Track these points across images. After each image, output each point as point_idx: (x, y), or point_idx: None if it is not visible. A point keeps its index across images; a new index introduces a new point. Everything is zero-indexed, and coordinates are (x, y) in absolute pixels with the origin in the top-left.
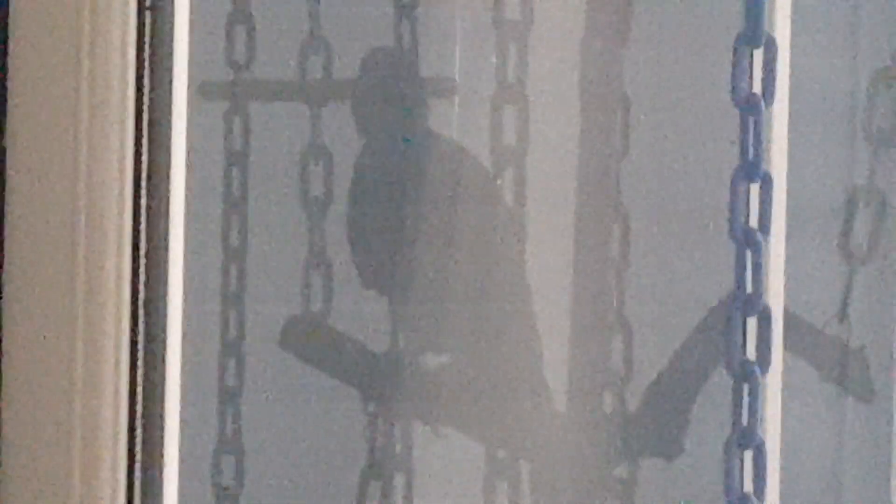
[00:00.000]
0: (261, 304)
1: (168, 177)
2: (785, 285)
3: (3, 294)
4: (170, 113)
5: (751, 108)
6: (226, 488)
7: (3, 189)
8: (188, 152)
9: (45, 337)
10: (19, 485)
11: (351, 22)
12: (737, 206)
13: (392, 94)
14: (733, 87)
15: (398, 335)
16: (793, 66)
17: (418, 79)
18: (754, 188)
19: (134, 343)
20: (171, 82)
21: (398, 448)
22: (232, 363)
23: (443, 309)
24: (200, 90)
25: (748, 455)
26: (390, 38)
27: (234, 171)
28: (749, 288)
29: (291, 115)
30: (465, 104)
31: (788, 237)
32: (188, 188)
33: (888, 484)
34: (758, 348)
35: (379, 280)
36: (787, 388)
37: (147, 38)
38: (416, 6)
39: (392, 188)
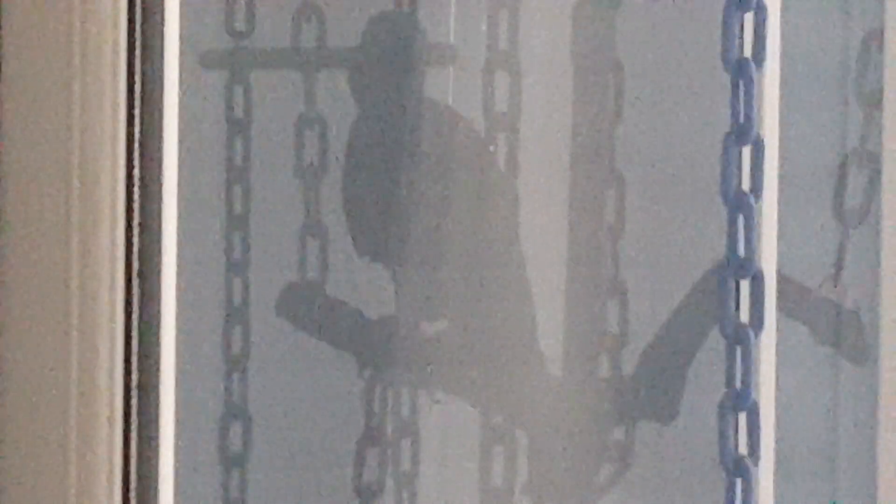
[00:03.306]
0: (259, 272)
1: (161, 148)
2: (778, 248)
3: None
4: (162, 84)
5: (741, 72)
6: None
7: None
8: (185, 121)
9: (40, 306)
10: (14, 447)
11: None
12: (728, 169)
13: (387, 61)
14: (723, 51)
15: (395, 302)
16: (784, 28)
17: (413, 45)
18: (746, 151)
19: (129, 313)
20: (163, 54)
21: (395, 414)
22: (236, 331)
23: (438, 275)
24: (202, 60)
25: (742, 417)
26: (386, 4)
27: (235, 140)
28: (742, 251)
29: (288, 83)
30: (460, 71)
31: (781, 200)
32: (189, 158)
33: None
34: (751, 311)
35: (374, 247)
36: (780, 350)
37: (138, 11)
38: None
39: (386, 155)
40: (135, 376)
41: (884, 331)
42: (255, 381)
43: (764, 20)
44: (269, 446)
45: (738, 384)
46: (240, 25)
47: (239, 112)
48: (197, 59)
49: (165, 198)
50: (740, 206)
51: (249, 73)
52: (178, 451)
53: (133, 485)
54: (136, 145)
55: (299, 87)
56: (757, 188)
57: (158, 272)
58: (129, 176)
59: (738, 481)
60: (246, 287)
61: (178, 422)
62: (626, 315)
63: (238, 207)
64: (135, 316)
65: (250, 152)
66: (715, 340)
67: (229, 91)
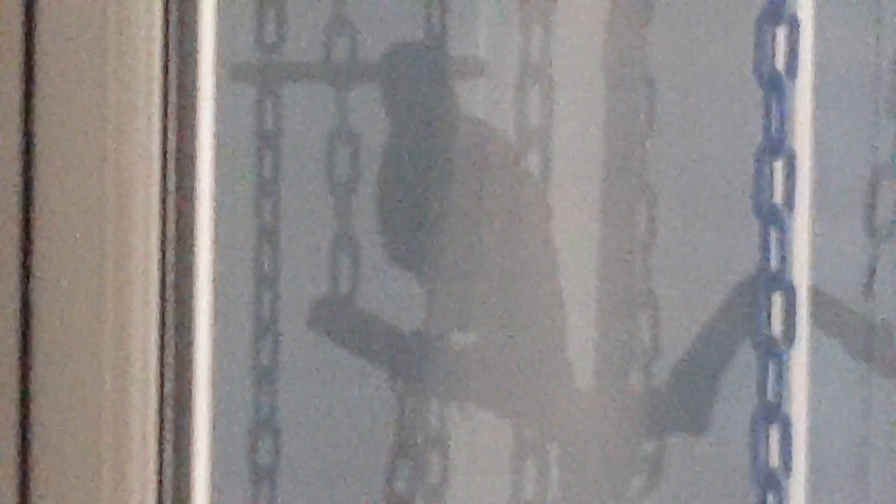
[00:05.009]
0: (291, 285)
1: (195, 161)
2: (810, 261)
3: (33, 274)
4: (196, 98)
5: (774, 86)
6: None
7: (32, 174)
8: (217, 135)
9: (74, 319)
10: (49, 466)
11: (377, 3)
12: (761, 183)
13: (418, 74)
14: (756, 65)
15: (426, 314)
16: (816, 42)
17: (444, 59)
18: (778, 165)
19: (163, 327)
20: (197, 68)
21: (427, 427)
22: (266, 344)
23: (470, 288)
24: (231, 73)
25: (774, 431)
26: (417, 17)
27: (266, 154)
28: (774, 264)
29: (319, 97)
30: (490, 85)
31: (813, 213)
32: (220, 171)
33: None
34: (783, 324)
35: (406, 260)
36: (813, 363)
37: (173, 25)
38: None
39: (418, 168)
40: (169, 389)
41: None
42: (285, 394)
43: (797, 33)
44: (300, 459)
45: (770, 397)
46: (270, 38)
47: (269, 125)
48: (227, 72)
49: (199, 210)
50: (773, 219)
51: (280, 86)
52: (209, 464)
53: (168, 498)
54: (172, 159)
55: (331, 101)
56: (789, 201)
57: (192, 285)
58: (164, 189)
59: (770, 495)
60: (276, 300)
61: (210, 435)
62: (657, 327)
63: (268, 221)
64: (169, 329)
65: (280, 166)
66: (747, 353)
67: (260, 104)
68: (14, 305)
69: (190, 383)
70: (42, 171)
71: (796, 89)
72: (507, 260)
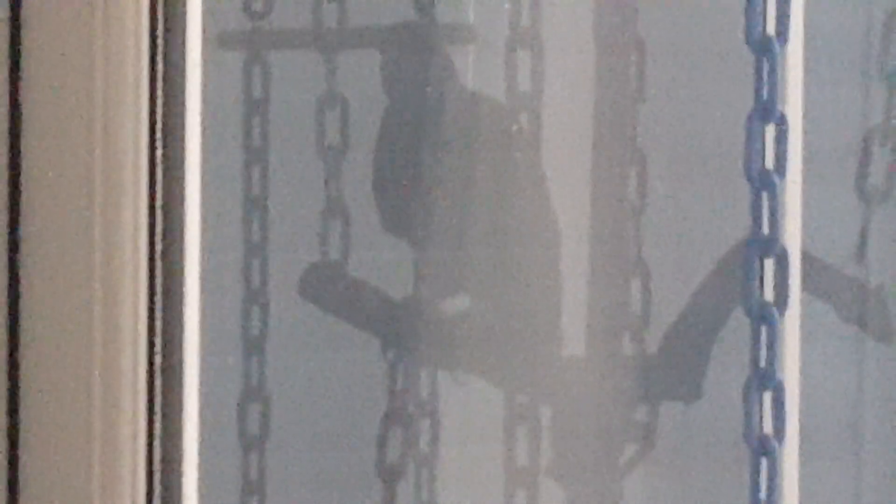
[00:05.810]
0: (281, 253)
1: (183, 128)
2: (802, 226)
3: (22, 238)
4: (184, 65)
5: (765, 50)
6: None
7: (19, 139)
8: (205, 103)
9: (63, 288)
10: (38, 430)
11: None
12: (752, 147)
13: (408, 40)
14: (747, 29)
15: (417, 281)
16: (807, 6)
17: (434, 26)
18: (770, 129)
19: (152, 296)
20: (185, 34)
21: (418, 394)
22: (256, 312)
23: (461, 254)
24: (219, 40)
25: (767, 396)
26: None
27: (255, 121)
28: (766, 229)
29: (308, 64)
30: (480, 50)
31: (805, 178)
32: (208, 139)
33: None
34: (775, 290)
35: (397, 227)
36: (805, 329)
37: None
38: None
39: (409, 135)
40: (158, 358)
41: None
42: (275, 363)
43: None
44: (289, 428)
45: (762, 363)
46: (258, 6)
47: (258, 92)
48: (215, 39)
49: (188, 179)
50: (764, 184)
51: (268, 53)
52: (198, 433)
53: (157, 467)
54: (159, 127)
55: (319, 68)
56: (781, 166)
57: (181, 254)
58: (152, 158)
59: (763, 460)
60: (265, 268)
61: (199, 404)
62: (649, 294)
63: (257, 188)
64: (158, 298)
65: (269, 133)
66: (739, 319)
67: (248, 71)
68: (1, 261)
69: (179, 352)
70: (29, 140)
71: (787, 53)
72: (498, 227)
